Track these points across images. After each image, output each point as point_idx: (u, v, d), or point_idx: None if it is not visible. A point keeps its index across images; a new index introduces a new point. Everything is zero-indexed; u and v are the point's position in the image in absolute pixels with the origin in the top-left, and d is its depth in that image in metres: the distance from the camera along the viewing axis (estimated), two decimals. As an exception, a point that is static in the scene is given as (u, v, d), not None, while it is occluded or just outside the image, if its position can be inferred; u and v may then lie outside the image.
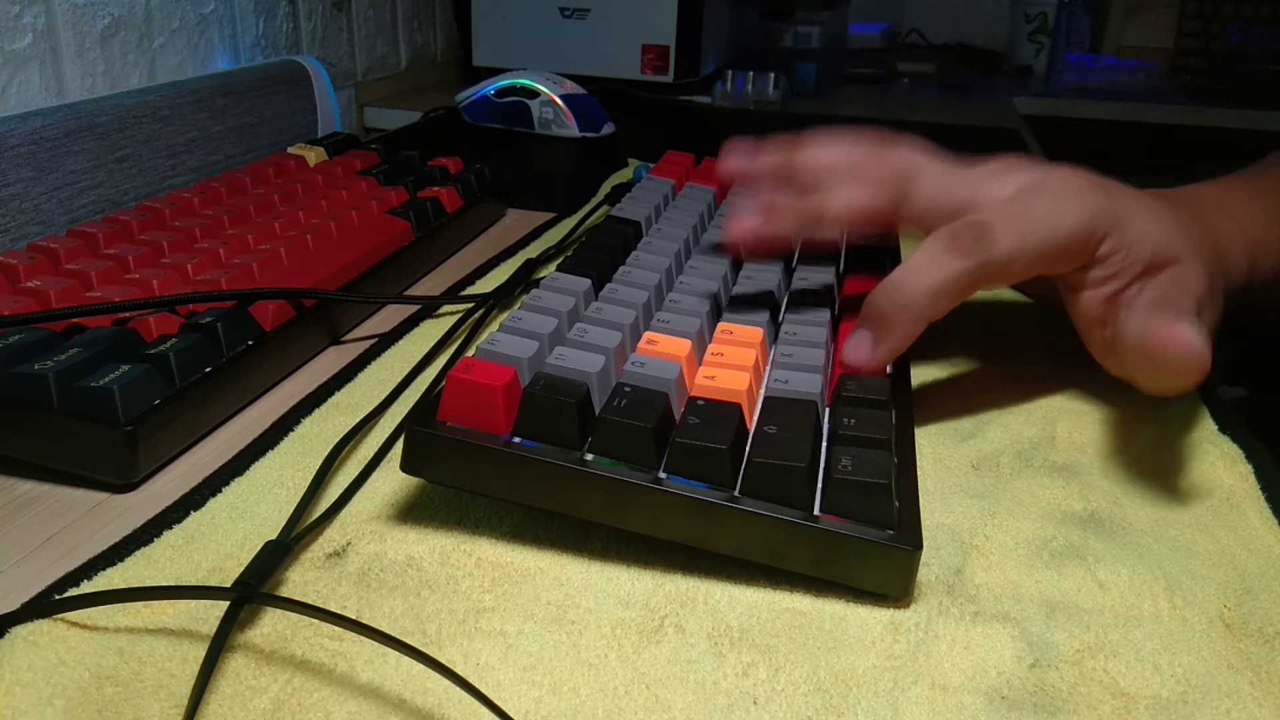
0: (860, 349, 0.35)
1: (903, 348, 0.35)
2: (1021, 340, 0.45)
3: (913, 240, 0.37)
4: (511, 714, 0.22)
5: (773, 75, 1.03)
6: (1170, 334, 0.32)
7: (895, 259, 0.46)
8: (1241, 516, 0.32)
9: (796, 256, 0.47)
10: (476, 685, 0.23)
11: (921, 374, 0.41)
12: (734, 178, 0.42)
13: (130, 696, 0.23)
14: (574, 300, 0.36)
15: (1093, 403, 0.39)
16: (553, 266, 0.51)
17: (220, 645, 0.24)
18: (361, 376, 0.41)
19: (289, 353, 0.41)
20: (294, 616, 0.26)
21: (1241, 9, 1.38)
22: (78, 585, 0.27)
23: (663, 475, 0.28)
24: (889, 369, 0.36)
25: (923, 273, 0.34)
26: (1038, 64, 1.41)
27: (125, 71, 0.65)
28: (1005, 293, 0.51)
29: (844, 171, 0.39)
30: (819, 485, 0.29)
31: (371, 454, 0.34)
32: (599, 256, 0.41)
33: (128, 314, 0.38)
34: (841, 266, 0.46)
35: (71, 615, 0.26)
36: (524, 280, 0.50)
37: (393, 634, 0.24)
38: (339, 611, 0.25)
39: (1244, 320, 0.46)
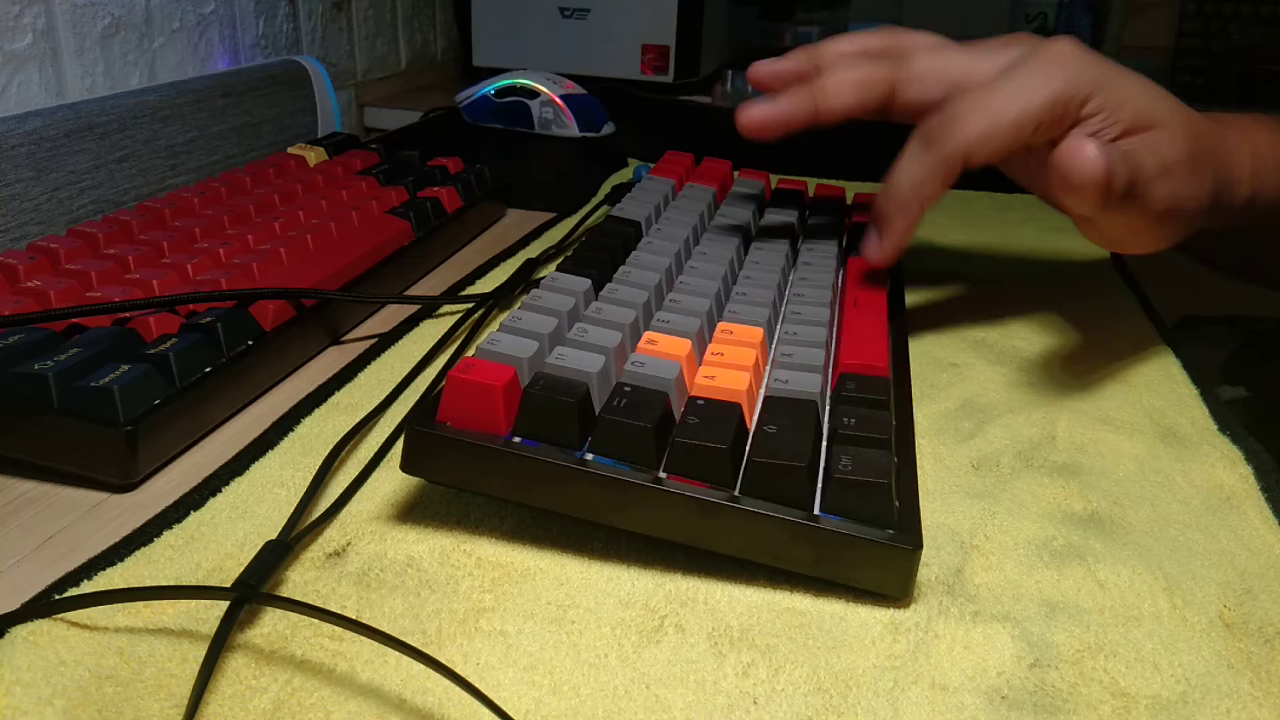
0: (871, 245, 0.41)
1: (905, 238, 0.40)
2: (1022, 339, 0.45)
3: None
4: (511, 714, 0.22)
5: (773, 75, 1.03)
6: (1076, 147, 0.34)
7: None
8: (1241, 516, 0.32)
9: (801, 243, 0.47)
10: (476, 685, 0.23)
11: (922, 372, 0.41)
12: (762, 80, 0.45)
13: (130, 696, 0.23)
14: (574, 300, 0.36)
15: (1093, 403, 0.39)
16: (553, 266, 0.51)
17: (220, 645, 0.24)
18: (361, 376, 0.41)
19: (289, 353, 0.41)
20: (294, 616, 0.26)
21: (1241, 9, 1.38)
22: (78, 585, 0.27)
23: (663, 475, 0.28)
24: (890, 369, 0.36)
25: (904, 170, 0.39)
26: (1038, 64, 1.41)
27: (125, 71, 0.65)
28: (1009, 291, 0.51)
29: (857, 56, 0.43)
30: (819, 485, 0.29)
31: (371, 454, 0.34)
32: (599, 256, 0.41)
33: (128, 314, 0.38)
34: (842, 277, 0.46)
35: (71, 615, 0.26)
36: (524, 280, 0.50)
37: (393, 634, 0.24)
38: (339, 611, 0.25)
39: (1269, 246, 0.46)
